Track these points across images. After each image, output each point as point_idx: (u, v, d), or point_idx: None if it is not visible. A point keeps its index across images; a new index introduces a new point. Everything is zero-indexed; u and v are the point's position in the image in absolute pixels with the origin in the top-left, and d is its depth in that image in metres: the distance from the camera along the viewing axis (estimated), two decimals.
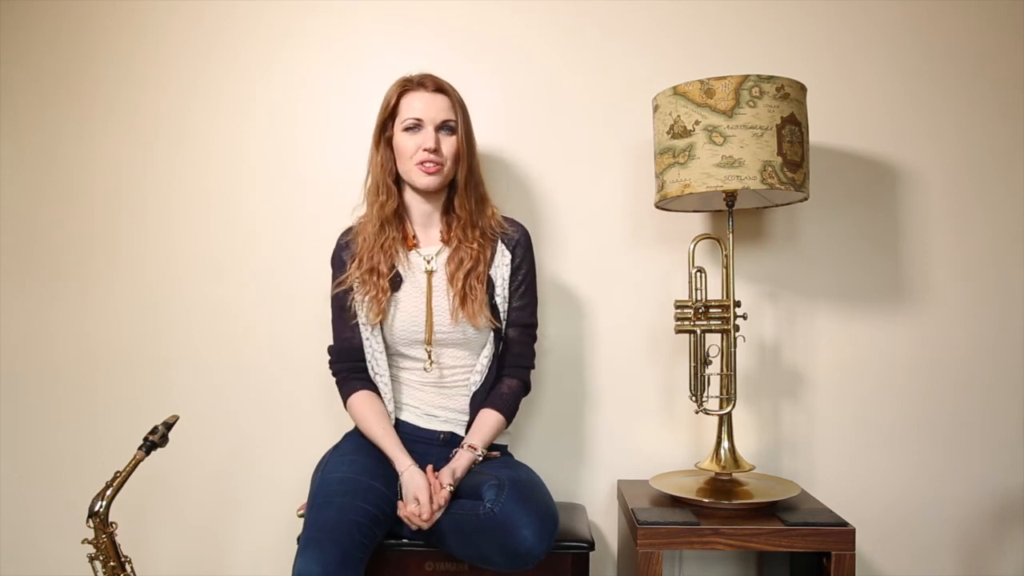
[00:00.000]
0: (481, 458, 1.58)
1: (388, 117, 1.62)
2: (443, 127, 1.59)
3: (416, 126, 1.58)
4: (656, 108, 1.68)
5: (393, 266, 1.62)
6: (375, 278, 1.59)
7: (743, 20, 1.93)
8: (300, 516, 1.60)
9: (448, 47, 1.96)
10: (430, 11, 1.96)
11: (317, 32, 1.98)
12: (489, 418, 1.62)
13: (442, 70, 1.91)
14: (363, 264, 1.60)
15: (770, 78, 1.56)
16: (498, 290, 1.64)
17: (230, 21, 1.99)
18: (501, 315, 1.64)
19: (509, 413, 1.65)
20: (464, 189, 1.62)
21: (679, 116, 1.59)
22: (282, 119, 1.98)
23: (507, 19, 1.95)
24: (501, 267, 1.64)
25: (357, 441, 1.66)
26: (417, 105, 1.59)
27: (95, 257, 2.01)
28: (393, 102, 1.61)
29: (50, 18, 2.01)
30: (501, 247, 1.65)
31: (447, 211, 1.67)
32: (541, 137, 1.95)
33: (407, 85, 1.61)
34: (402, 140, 1.59)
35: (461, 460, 1.55)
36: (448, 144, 1.60)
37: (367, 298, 1.60)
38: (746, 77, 1.55)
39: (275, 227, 1.98)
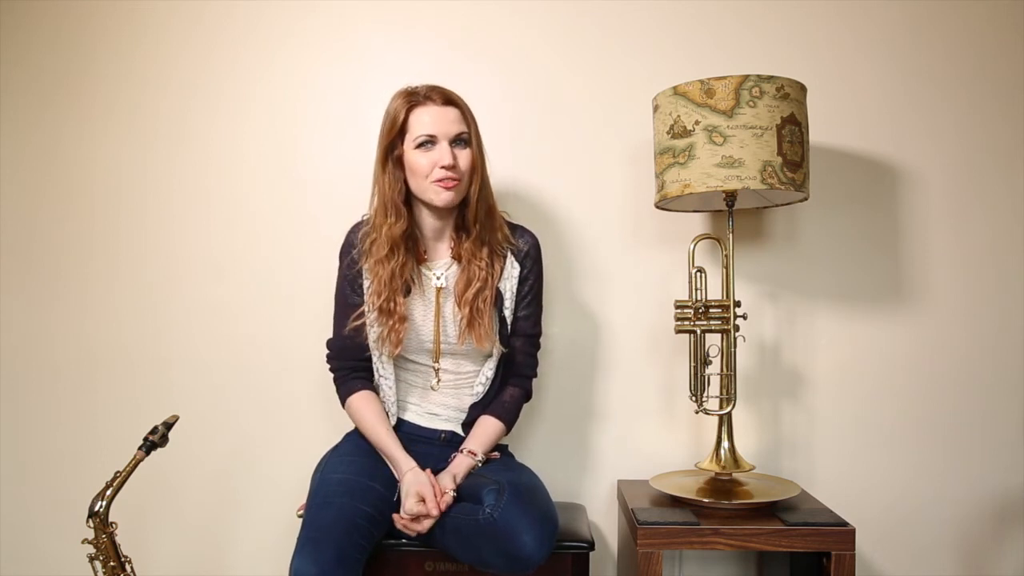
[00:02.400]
0: (481, 464, 1.58)
1: (397, 135, 1.53)
2: (457, 140, 1.54)
3: (429, 142, 1.52)
4: (656, 108, 1.67)
5: (408, 288, 1.60)
6: (392, 305, 1.56)
7: (743, 20, 1.93)
8: (300, 516, 1.60)
9: (448, 47, 1.96)
10: (430, 11, 1.96)
11: (317, 32, 1.98)
12: (490, 425, 1.62)
13: (442, 70, 1.92)
14: (379, 298, 1.56)
15: (770, 78, 1.56)
16: (506, 303, 1.64)
17: (230, 21, 1.99)
18: (508, 327, 1.65)
19: (509, 420, 1.65)
20: (476, 203, 1.57)
21: (679, 116, 1.59)
22: (282, 119, 1.98)
23: (507, 19, 1.95)
24: (510, 279, 1.63)
25: (356, 442, 1.66)
26: (427, 120, 1.52)
27: (95, 257, 2.01)
28: (401, 118, 1.52)
29: (50, 18, 2.01)
30: (510, 259, 1.64)
31: (458, 226, 1.63)
32: (541, 137, 1.95)
33: (414, 100, 1.53)
34: (415, 158, 1.53)
35: (460, 465, 1.56)
36: (463, 158, 1.54)
37: (384, 330, 1.57)
38: (746, 77, 1.55)
39: (275, 227, 1.98)
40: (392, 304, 1.56)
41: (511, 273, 1.63)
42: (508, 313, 1.64)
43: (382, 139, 1.56)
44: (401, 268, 1.56)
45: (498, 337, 1.62)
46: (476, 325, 1.56)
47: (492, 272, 1.60)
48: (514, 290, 1.63)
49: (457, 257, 1.62)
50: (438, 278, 1.62)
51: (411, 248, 1.60)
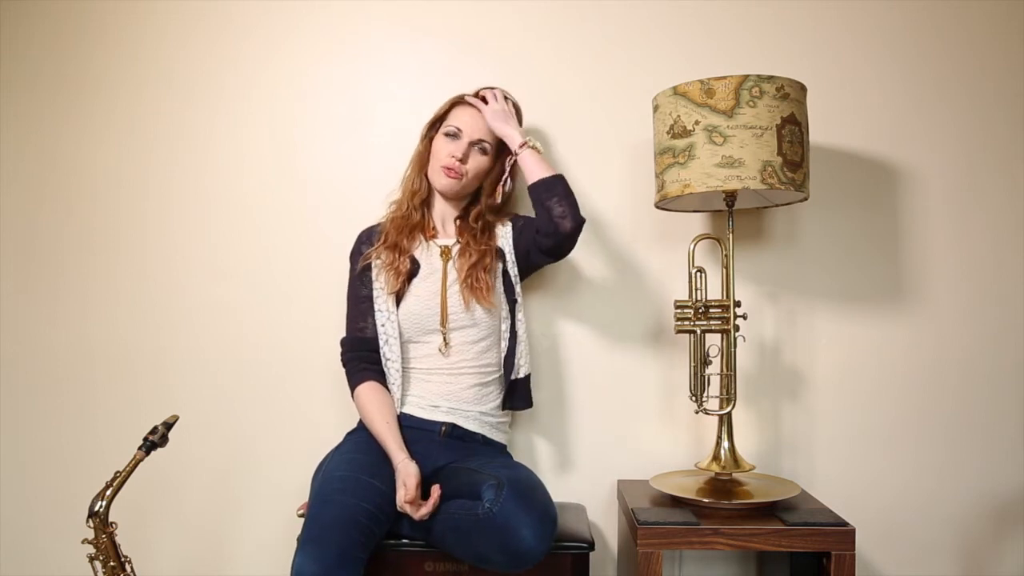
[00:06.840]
0: (531, 145, 1.67)
1: (437, 120, 1.76)
2: (477, 144, 1.71)
3: (455, 135, 1.71)
4: (656, 108, 1.68)
5: (416, 268, 1.70)
6: (396, 252, 1.69)
7: (743, 20, 1.93)
8: (300, 516, 1.60)
9: (449, 47, 1.96)
10: (432, 12, 1.96)
11: (317, 32, 1.98)
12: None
13: (443, 70, 1.93)
14: (388, 239, 1.71)
15: (770, 78, 1.56)
16: (508, 257, 1.73)
17: (230, 21, 1.99)
18: (513, 281, 1.72)
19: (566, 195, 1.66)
20: (486, 206, 1.75)
21: (679, 116, 1.59)
22: (282, 119, 1.98)
23: (507, 19, 1.95)
24: (506, 237, 1.75)
25: (358, 440, 1.66)
26: (462, 117, 1.72)
27: (96, 257, 2.01)
28: (444, 110, 1.76)
29: (50, 18, 2.01)
30: (502, 225, 1.77)
31: (462, 217, 1.77)
32: (541, 137, 1.94)
33: (459, 99, 1.75)
34: (439, 143, 1.73)
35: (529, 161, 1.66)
36: (476, 161, 1.72)
37: (387, 268, 1.68)
38: (746, 77, 1.55)
39: (275, 227, 1.98)
40: (397, 251, 1.69)
41: (505, 232, 1.76)
42: (510, 267, 1.72)
43: (428, 123, 1.78)
44: (413, 224, 1.73)
45: (505, 299, 1.71)
46: (477, 289, 1.66)
47: (490, 245, 1.72)
48: (511, 243, 1.75)
49: (459, 240, 1.74)
50: (444, 249, 1.74)
51: (423, 219, 1.76)
